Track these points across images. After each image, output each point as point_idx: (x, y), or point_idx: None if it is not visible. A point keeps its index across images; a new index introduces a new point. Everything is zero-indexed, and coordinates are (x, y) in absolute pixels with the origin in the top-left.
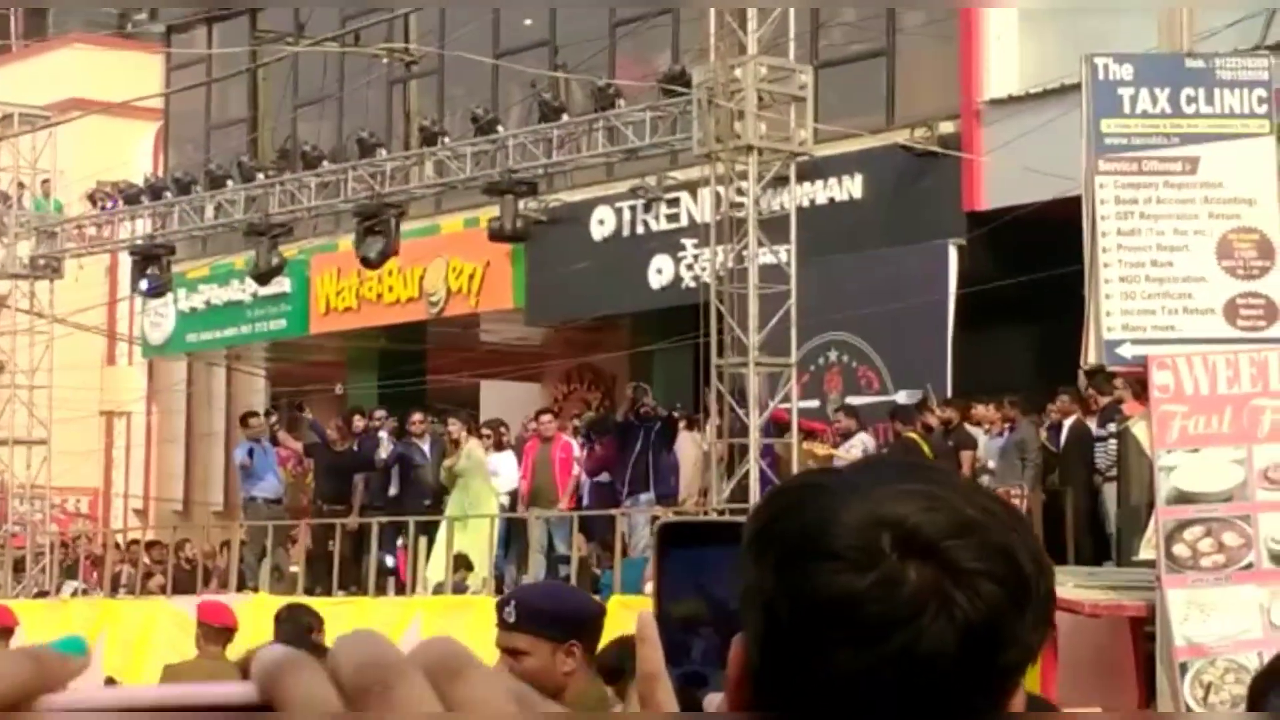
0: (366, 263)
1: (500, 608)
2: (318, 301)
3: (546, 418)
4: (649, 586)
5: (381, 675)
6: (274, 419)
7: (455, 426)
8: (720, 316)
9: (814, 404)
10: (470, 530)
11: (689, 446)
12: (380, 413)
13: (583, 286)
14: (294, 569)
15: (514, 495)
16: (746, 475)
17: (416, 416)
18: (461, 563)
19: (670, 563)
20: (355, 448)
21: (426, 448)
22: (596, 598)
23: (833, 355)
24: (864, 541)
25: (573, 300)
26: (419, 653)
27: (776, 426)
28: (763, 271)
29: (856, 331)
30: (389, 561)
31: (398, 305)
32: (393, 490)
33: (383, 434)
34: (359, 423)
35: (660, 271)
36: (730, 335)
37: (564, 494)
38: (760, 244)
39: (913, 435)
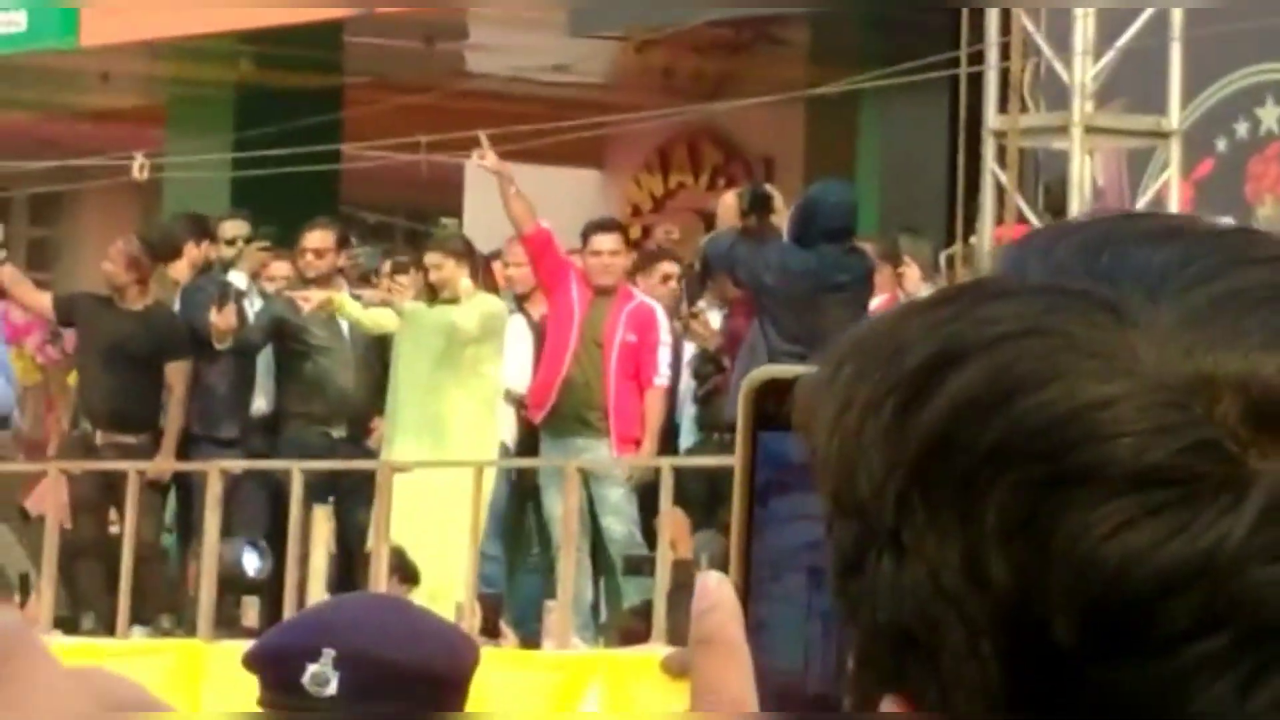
0: None
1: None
2: None
3: (609, 241)
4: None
5: None
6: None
7: (438, 257)
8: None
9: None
10: (433, 492)
11: None
12: (235, 226)
13: None
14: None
15: (521, 409)
16: None
17: (316, 237)
18: (399, 569)
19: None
20: (178, 305)
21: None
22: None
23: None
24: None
25: None
26: None
27: None
28: None
29: None
30: (251, 562)
31: None
32: (259, 402)
33: (236, 277)
34: (188, 254)
35: None
36: (1040, 65)
37: (620, 417)
38: None
39: None
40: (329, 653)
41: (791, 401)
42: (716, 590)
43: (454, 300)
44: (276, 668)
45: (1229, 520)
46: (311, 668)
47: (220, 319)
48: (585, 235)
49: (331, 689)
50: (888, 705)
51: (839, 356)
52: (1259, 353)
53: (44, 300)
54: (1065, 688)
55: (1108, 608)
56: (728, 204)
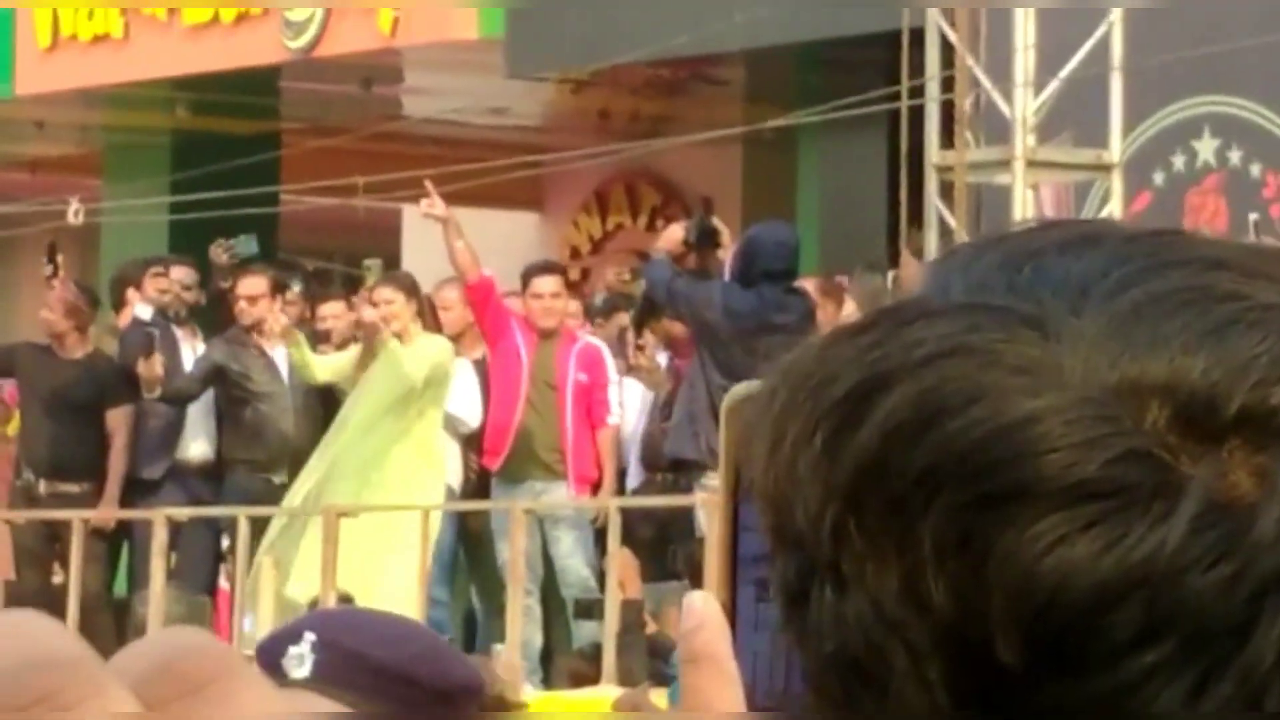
0: None
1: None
2: (36, 30)
3: (550, 284)
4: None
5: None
6: None
7: (389, 292)
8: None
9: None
10: (377, 533)
11: None
12: (177, 274)
13: None
14: None
15: (469, 448)
16: None
17: (249, 284)
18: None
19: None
20: (118, 351)
21: (278, 352)
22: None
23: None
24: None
25: (612, 26)
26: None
27: None
28: None
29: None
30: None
31: (212, 33)
32: (197, 446)
33: (142, 310)
34: (130, 298)
35: None
36: (980, 98)
37: (578, 458)
38: None
39: None
40: (310, 637)
41: None
42: (703, 608)
43: (400, 336)
44: (267, 653)
45: (1163, 529)
46: (293, 649)
47: (145, 368)
48: (525, 278)
49: (305, 671)
50: None
51: (771, 388)
52: (1182, 357)
53: None
54: (1013, 708)
55: (1048, 625)
56: (672, 236)
